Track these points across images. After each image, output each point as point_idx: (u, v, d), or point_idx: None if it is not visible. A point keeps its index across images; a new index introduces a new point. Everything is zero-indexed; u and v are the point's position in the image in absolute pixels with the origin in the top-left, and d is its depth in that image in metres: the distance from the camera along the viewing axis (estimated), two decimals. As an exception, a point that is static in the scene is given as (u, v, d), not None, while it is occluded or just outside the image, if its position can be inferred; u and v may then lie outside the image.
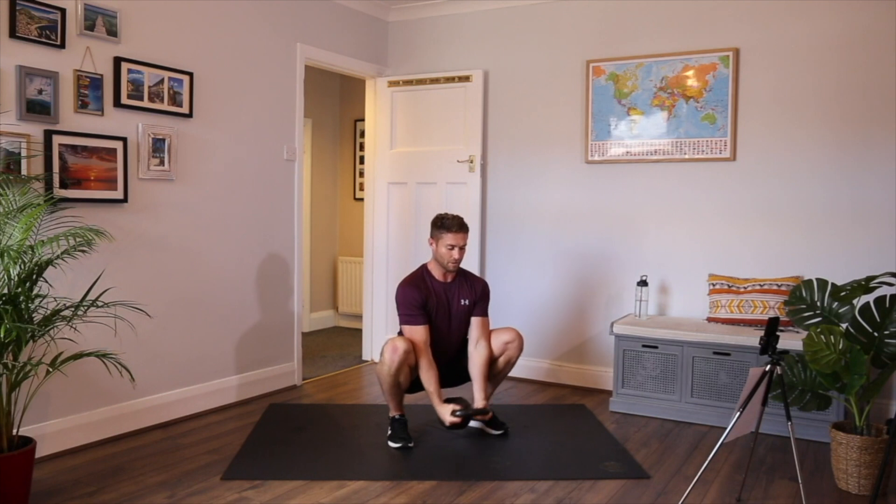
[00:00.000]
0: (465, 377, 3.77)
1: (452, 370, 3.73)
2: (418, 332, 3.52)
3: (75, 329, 2.93)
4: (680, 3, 4.38)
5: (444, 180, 5.11)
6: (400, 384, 3.49)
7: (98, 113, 3.42)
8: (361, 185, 6.65)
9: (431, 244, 3.65)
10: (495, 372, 3.71)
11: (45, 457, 3.23)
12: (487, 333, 3.70)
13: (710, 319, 4.20)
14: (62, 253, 2.86)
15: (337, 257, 6.86)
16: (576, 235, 4.76)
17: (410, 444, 3.49)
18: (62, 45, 3.26)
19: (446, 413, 3.46)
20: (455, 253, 3.57)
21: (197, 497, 2.88)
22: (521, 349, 3.71)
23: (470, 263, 4.58)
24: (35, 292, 2.79)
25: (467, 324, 3.70)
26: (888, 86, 3.84)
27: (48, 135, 3.20)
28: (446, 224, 3.58)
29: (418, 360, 3.48)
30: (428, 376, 3.49)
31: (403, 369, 3.43)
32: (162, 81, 3.71)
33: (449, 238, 3.56)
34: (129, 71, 3.54)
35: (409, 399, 3.86)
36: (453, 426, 3.49)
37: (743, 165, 4.23)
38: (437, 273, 3.65)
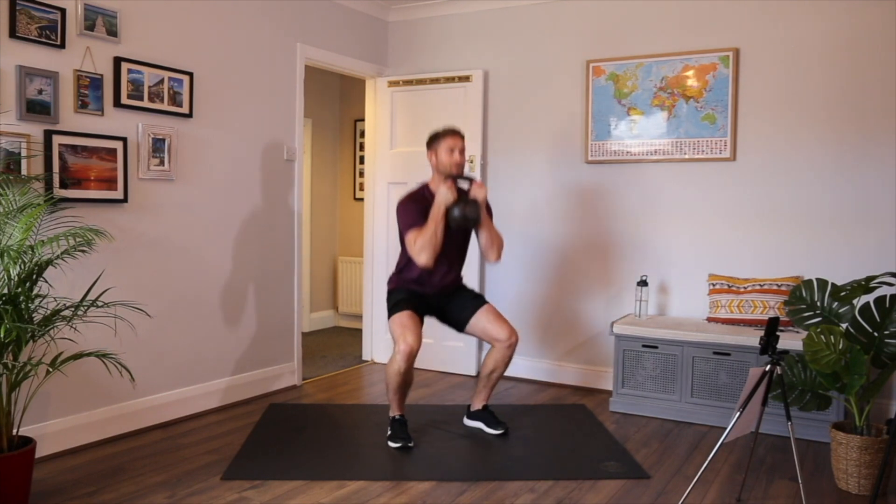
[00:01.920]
0: (464, 312, 3.72)
1: (453, 274, 3.73)
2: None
3: (75, 329, 2.93)
4: (680, 3, 4.38)
5: (444, 180, 5.10)
6: (408, 383, 3.52)
7: (98, 113, 3.42)
8: (361, 185, 6.65)
9: (430, 158, 3.65)
10: (491, 369, 3.70)
11: (45, 457, 3.23)
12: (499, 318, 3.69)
13: (710, 319, 4.20)
14: (62, 253, 2.86)
15: (337, 257, 6.86)
16: (576, 235, 4.76)
17: (410, 444, 3.49)
18: (62, 45, 3.26)
19: (441, 189, 3.46)
20: (457, 156, 3.58)
21: (197, 497, 2.88)
22: (513, 347, 3.66)
23: (470, 262, 4.57)
24: (35, 292, 2.79)
25: (466, 233, 3.71)
26: (888, 86, 3.84)
27: (48, 135, 3.20)
28: (440, 133, 3.62)
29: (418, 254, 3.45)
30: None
31: (411, 372, 3.47)
32: (162, 81, 3.71)
33: (448, 141, 3.58)
34: (129, 71, 3.54)
35: (409, 399, 3.85)
36: (453, 193, 3.44)
37: (743, 165, 4.23)
38: (437, 188, 3.60)
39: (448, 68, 5.15)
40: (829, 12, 3.98)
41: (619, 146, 4.57)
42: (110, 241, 3.28)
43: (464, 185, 3.60)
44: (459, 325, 3.74)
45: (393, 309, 3.59)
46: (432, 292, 3.66)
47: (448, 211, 3.47)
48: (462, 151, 3.61)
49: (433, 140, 3.64)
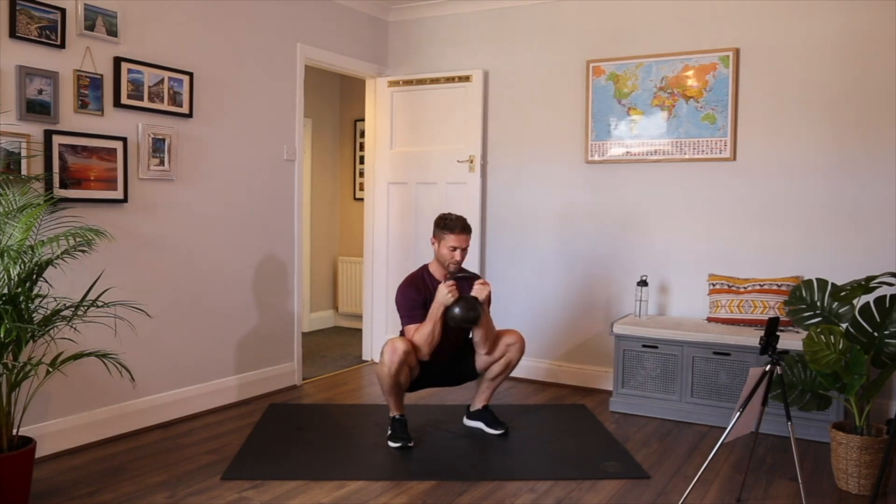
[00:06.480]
0: (466, 377, 3.76)
1: (453, 370, 3.72)
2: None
3: (75, 329, 2.93)
4: (680, 3, 4.38)
5: (444, 180, 5.11)
6: (400, 384, 3.48)
7: (98, 113, 3.42)
8: (361, 185, 6.65)
9: (433, 243, 3.63)
10: (496, 374, 3.70)
11: (45, 457, 3.23)
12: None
13: (710, 319, 4.20)
14: (62, 253, 2.86)
15: (337, 257, 6.86)
16: (576, 235, 4.76)
17: (410, 444, 3.48)
18: (62, 45, 3.26)
19: (441, 289, 3.40)
20: (457, 255, 3.55)
21: (197, 497, 2.88)
22: (522, 352, 3.69)
23: (470, 263, 4.58)
24: (35, 292, 2.79)
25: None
26: (888, 86, 3.84)
27: (48, 135, 3.20)
28: (449, 225, 3.55)
29: (416, 347, 3.46)
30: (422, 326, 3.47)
31: (403, 370, 3.42)
32: (162, 81, 3.71)
33: (451, 240, 3.54)
34: (129, 71, 3.54)
35: (409, 399, 3.85)
36: (454, 295, 3.38)
37: (743, 165, 4.23)
38: (437, 273, 3.63)
39: (448, 68, 5.15)
40: (829, 12, 3.98)
41: (619, 146, 4.57)
42: (110, 241, 3.27)
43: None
44: (474, 372, 3.75)
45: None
46: (440, 364, 3.65)
47: (447, 310, 3.43)
48: (465, 250, 3.57)
49: (441, 227, 3.57)
